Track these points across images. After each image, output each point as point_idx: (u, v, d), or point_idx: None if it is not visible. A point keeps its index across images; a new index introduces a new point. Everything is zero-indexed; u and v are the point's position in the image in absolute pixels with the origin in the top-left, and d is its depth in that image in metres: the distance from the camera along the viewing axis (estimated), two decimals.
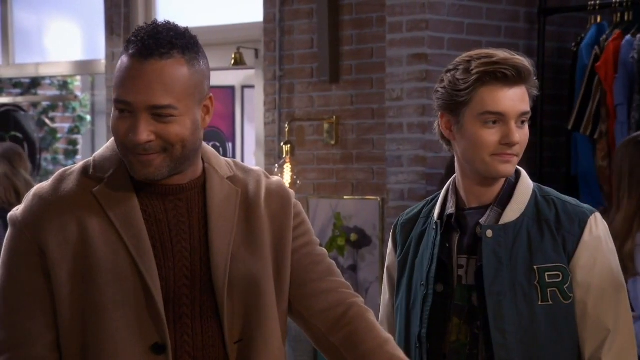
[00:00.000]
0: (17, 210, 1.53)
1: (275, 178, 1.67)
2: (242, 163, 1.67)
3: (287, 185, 4.02)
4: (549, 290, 1.77)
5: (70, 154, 6.57)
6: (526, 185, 1.84)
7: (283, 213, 1.63)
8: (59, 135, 6.55)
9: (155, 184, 1.53)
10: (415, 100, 3.68)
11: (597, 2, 3.58)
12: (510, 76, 1.75)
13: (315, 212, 4.11)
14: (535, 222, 1.80)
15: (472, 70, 1.76)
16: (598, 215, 1.83)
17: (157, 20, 1.52)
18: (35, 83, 6.37)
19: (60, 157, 6.57)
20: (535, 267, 1.78)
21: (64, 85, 6.48)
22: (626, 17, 3.51)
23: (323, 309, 1.61)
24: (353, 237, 3.96)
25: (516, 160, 1.79)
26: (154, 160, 1.49)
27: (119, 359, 1.48)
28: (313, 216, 4.12)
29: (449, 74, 1.82)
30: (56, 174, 1.57)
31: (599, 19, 3.61)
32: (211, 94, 1.55)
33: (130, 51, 1.47)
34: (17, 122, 5.74)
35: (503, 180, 1.82)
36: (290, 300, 1.63)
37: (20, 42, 5.54)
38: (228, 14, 4.63)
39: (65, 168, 1.59)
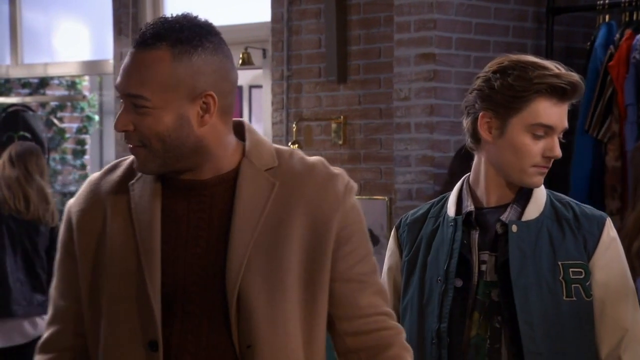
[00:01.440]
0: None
1: (335, 171, 1.57)
2: (301, 154, 1.58)
3: None
4: (573, 286, 1.82)
5: (79, 153, 6.58)
6: (542, 187, 1.89)
7: (328, 221, 1.52)
8: (67, 135, 6.57)
9: (177, 179, 1.52)
10: (423, 99, 3.67)
11: (606, 1, 3.56)
12: (568, 92, 1.80)
13: None
14: (555, 221, 1.85)
15: (532, 79, 1.77)
16: (610, 219, 1.89)
17: (186, 13, 1.53)
18: (43, 83, 6.39)
19: (69, 157, 6.58)
20: (559, 262, 1.82)
21: (72, 85, 6.49)
22: (635, 17, 3.50)
23: (357, 349, 1.56)
24: None
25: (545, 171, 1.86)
26: (138, 154, 1.51)
27: (119, 353, 1.50)
28: None
29: (497, 75, 1.82)
30: (112, 162, 1.62)
31: (607, 19, 3.59)
32: (211, 92, 1.48)
33: (135, 44, 1.51)
34: (25, 122, 5.75)
35: None
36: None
37: (28, 42, 5.56)
38: (235, 13, 4.63)
39: (122, 158, 1.61)
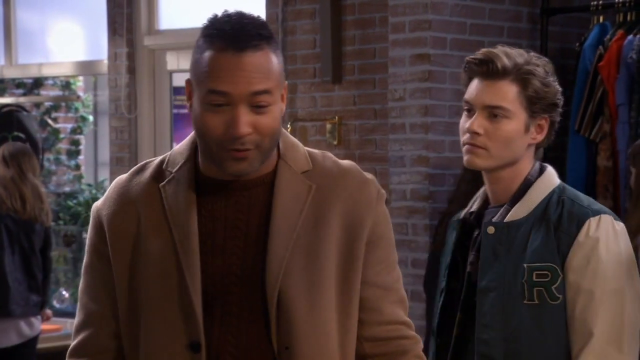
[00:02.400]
0: (99, 200, 1.59)
1: (368, 176, 1.58)
2: (332, 157, 1.60)
3: None
4: (535, 289, 1.78)
5: (73, 154, 6.57)
6: (544, 185, 1.85)
7: (361, 225, 1.52)
8: (61, 136, 6.55)
9: (215, 179, 1.51)
10: (418, 100, 3.68)
11: (600, 2, 3.57)
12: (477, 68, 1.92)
13: None
14: (538, 222, 1.82)
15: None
16: (605, 217, 1.80)
17: (227, 11, 1.52)
18: (38, 83, 6.38)
19: (63, 157, 6.57)
20: (525, 265, 1.79)
21: (66, 85, 6.48)
22: (629, 18, 3.51)
23: (373, 355, 1.56)
24: None
25: (481, 152, 1.83)
26: (248, 155, 1.47)
27: (158, 355, 1.49)
28: None
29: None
30: (139, 164, 1.60)
31: (601, 19, 3.60)
32: (286, 82, 1.56)
33: (218, 44, 1.46)
34: (19, 123, 5.74)
35: (521, 179, 1.85)
36: None
37: (23, 43, 5.54)
38: None
39: (148, 160, 1.60)
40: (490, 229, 1.83)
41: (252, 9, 5.18)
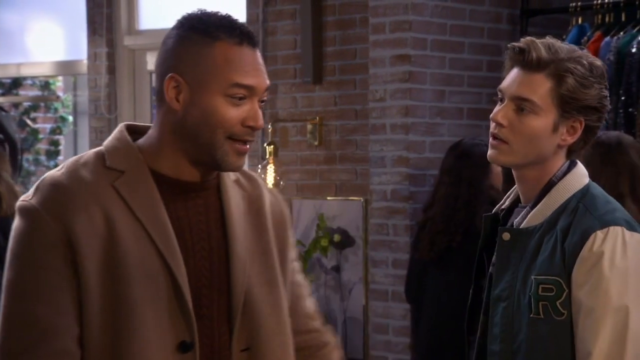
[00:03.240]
0: (31, 201, 1.45)
1: (271, 187, 1.69)
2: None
3: (271, 186, 4.03)
4: (541, 303, 1.70)
5: (52, 154, 6.53)
6: (566, 188, 1.75)
7: (284, 228, 1.61)
8: (40, 136, 6.51)
9: (173, 180, 1.50)
10: (399, 101, 3.69)
11: (579, 3, 3.60)
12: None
13: (298, 213, 4.11)
14: (550, 230, 1.73)
15: None
16: (614, 229, 1.69)
17: (204, 9, 1.52)
18: (16, 83, 6.33)
19: (42, 157, 6.53)
20: (532, 277, 1.72)
21: (45, 85, 6.44)
22: (607, 19, 3.54)
23: (299, 347, 1.63)
24: (337, 237, 3.96)
25: (504, 147, 1.74)
26: (248, 150, 1.51)
27: (147, 357, 1.45)
28: (296, 217, 4.12)
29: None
30: (68, 163, 1.51)
31: (580, 21, 3.63)
32: None
33: (236, 38, 1.48)
34: None
35: (547, 180, 1.76)
36: None
37: (1, 42, 5.50)
38: None
39: (76, 157, 1.53)
40: (506, 235, 1.75)
41: (232, 9, 5.19)
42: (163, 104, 1.50)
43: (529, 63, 1.73)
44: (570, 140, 1.76)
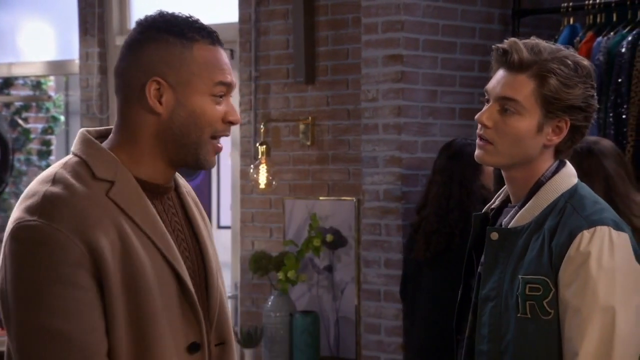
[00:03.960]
0: (41, 220, 1.40)
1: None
2: None
3: (263, 186, 4.03)
4: (528, 303, 1.70)
5: (44, 154, 6.51)
6: (554, 188, 1.75)
7: (202, 209, 1.65)
8: (32, 136, 6.49)
9: (150, 184, 1.51)
10: (391, 101, 3.69)
11: (570, 4, 3.61)
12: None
13: (291, 213, 4.11)
14: (538, 230, 1.73)
15: None
16: (601, 229, 1.69)
17: (160, 10, 1.53)
18: (8, 83, 6.31)
19: (34, 157, 6.51)
20: (520, 277, 1.72)
21: (37, 85, 6.42)
22: (599, 19, 3.55)
23: None
24: (329, 237, 3.96)
25: (489, 147, 1.75)
26: (221, 149, 1.55)
27: None
28: (289, 217, 4.12)
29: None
30: (57, 176, 1.46)
31: (572, 21, 3.64)
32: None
33: (208, 39, 1.51)
34: None
35: (535, 179, 1.76)
36: None
37: None
38: (203, 14, 4.61)
39: (59, 170, 1.47)
40: (494, 235, 1.75)
41: (224, 9, 5.14)
42: (139, 108, 1.49)
43: (511, 64, 1.73)
44: (557, 140, 1.76)
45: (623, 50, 3.33)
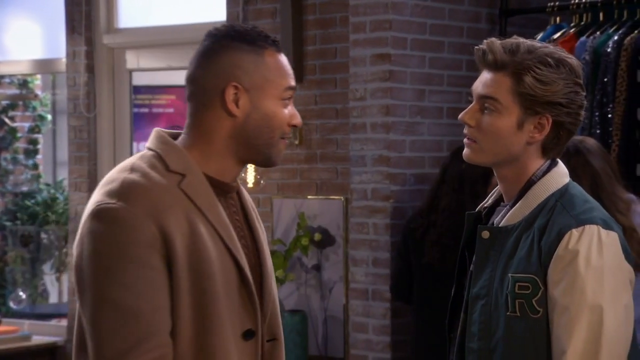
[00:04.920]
0: (119, 203, 1.51)
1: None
2: None
3: (251, 185, 4.03)
4: (517, 301, 1.71)
5: (31, 153, 6.48)
6: (545, 187, 1.76)
7: (260, 222, 1.76)
8: (19, 135, 6.46)
9: (220, 182, 1.62)
10: (379, 100, 3.69)
11: (556, 3, 3.62)
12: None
13: (279, 212, 4.11)
14: (528, 229, 1.74)
15: None
16: (590, 227, 1.70)
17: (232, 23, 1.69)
18: None
19: (21, 156, 6.48)
20: (510, 275, 1.73)
21: (24, 84, 6.39)
22: (584, 19, 3.56)
23: None
24: (317, 236, 3.96)
25: (473, 145, 1.77)
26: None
27: (224, 346, 1.55)
28: (277, 216, 4.12)
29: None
30: (135, 166, 1.57)
31: (559, 20, 3.65)
32: None
33: (274, 47, 1.65)
34: None
35: (526, 179, 1.77)
36: None
37: None
38: (191, 12, 4.60)
39: (137, 161, 1.59)
40: (485, 234, 1.77)
41: (213, 7, 5.11)
42: (215, 111, 1.61)
43: (489, 64, 1.77)
44: (539, 137, 1.76)
45: (609, 49, 3.35)
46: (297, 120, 1.66)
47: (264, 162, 1.65)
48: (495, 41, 1.78)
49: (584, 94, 1.78)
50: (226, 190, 1.64)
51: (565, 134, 1.78)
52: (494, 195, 1.86)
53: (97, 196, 1.56)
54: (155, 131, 1.65)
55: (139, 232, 1.50)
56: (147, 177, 1.56)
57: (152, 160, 1.59)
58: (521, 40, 1.78)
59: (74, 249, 1.56)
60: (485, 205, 1.86)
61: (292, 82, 1.65)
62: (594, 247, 1.69)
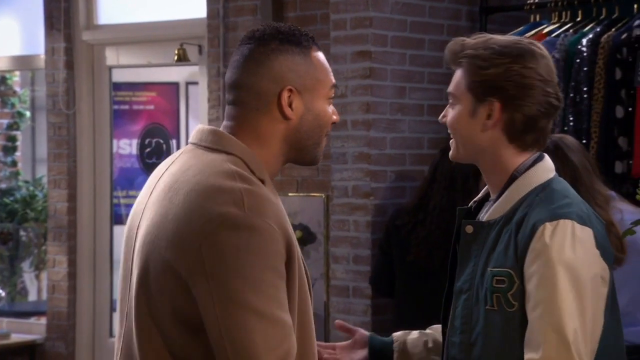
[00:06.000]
0: (253, 215, 1.50)
1: None
2: None
3: None
4: (495, 295, 1.72)
5: (10, 150, 6.43)
6: (527, 182, 1.76)
7: None
8: None
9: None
10: (360, 97, 3.70)
11: (535, 1, 3.63)
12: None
13: None
14: (508, 223, 1.74)
15: None
16: (564, 222, 1.69)
17: (271, 22, 1.67)
18: None
19: None
20: (489, 269, 1.74)
21: (2, 80, 6.34)
22: (564, 17, 3.58)
23: None
24: (298, 234, 3.96)
25: (452, 142, 1.81)
26: None
27: (314, 352, 1.61)
28: None
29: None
30: (236, 175, 1.54)
31: (538, 18, 3.67)
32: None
33: (315, 45, 1.65)
34: None
35: (508, 173, 1.77)
36: None
37: None
38: (171, 9, 4.59)
39: (230, 169, 1.55)
40: (469, 228, 1.78)
41: (192, 4, 5.09)
42: (269, 115, 1.60)
43: (447, 62, 1.83)
44: (491, 123, 1.75)
45: (583, 48, 3.35)
46: (336, 116, 1.67)
47: (309, 162, 1.65)
48: (456, 40, 1.81)
49: (539, 78, 1.74)
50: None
51: (521, 118, 1.75)
52: (483, 191, 1.88)
53: (215, 207, 1.50)
54: (217, 131, 1.61)
55: (273, 242, 1.51)
56: (257, 186, 1.55)
57: (242, 167, 1.57)
58: (490, 36, 1.80)
59: (194, 255, 1.49)
60: (475, 200, 1.87)
61: (334, 80, 1.66)
62: (567, 241, 1.68)
